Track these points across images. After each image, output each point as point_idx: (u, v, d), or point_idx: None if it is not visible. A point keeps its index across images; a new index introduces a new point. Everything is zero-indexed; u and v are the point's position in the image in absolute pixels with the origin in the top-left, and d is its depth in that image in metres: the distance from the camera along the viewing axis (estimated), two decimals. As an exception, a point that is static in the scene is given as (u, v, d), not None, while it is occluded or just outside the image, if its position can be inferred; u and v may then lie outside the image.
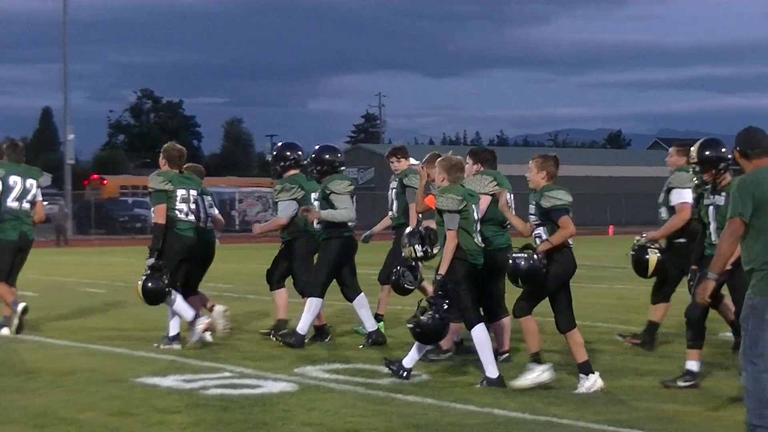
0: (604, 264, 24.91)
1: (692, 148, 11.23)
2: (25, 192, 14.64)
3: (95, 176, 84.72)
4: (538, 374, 10.89)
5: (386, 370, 11.50)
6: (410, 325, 11.27)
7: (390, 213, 14.66)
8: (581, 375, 10.83)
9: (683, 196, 13.01)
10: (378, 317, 14.47)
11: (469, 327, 11.35)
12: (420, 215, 13.16)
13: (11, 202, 14.53)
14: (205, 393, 10.57)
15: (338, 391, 10.76)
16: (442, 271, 11.19)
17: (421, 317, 11.13)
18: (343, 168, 14.13)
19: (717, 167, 10.98)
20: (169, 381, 11.23)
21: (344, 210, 13.60)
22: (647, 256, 13.10)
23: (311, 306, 13.63)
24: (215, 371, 11.92)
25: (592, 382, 10.75)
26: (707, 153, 11.01)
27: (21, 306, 14.58)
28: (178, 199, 13.52)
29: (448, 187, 11.45)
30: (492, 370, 11.12)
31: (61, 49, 57.51)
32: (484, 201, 11.89)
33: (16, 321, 14.51)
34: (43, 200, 14.73)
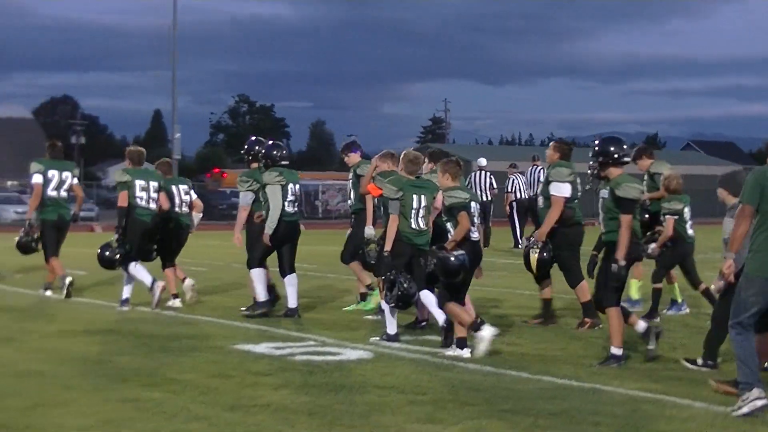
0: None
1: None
2: (61, 182, 16.13)
3: (216, 170, 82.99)
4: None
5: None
6: (386, 300, 11.62)
7: (349, 201, 14.71)
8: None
9: (561, 189, 12.91)
10: (369, 289, 14.57)
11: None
12: (375, 199, 13.50)
13: (51, 192, 16.02)
14: (292, 359, 10.61)
15: (408, 359, 10.76)
16: (387, 248, 11.57)
17: (391, 292, 11.48)
18: (285, 162, 14.21)
19: (601, 160, 10.82)
20: (261, 348, 11.28)
21: (273, 212, 13.78)
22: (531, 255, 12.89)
23: (256, 276, 14.05)
24: (301, 340, 11.96)
25: (458, 354, 10.86)
26: (599, 146, 10.87)
27: (69, 279, 15.96)
28: (137, 188, 14.59)
29: (392, 178, 11.97)
30: (391, 328, 11.82)
31: (170, 59, 57.84)
32: (439, 196, 11.86)
33: (65, 290, 15.91)
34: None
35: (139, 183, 14.58)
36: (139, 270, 14.69)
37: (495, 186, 29.51)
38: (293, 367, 10.15)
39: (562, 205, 12.85)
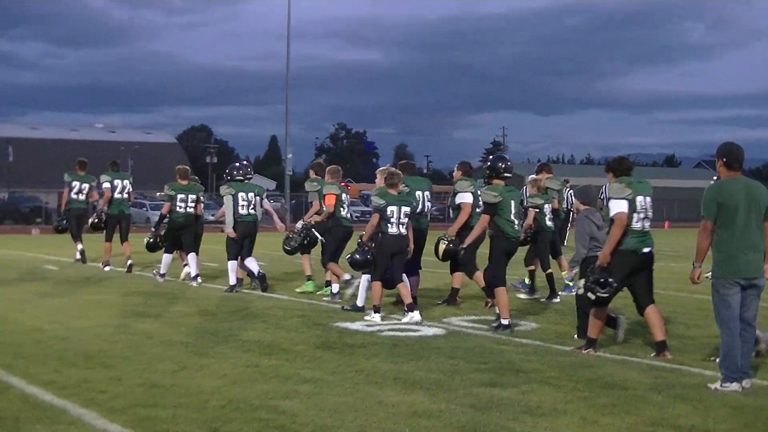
0: (660, 249, 24.42)
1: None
2: (122, 188, 19.04)
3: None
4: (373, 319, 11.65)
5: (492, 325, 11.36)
6: (348, 258, 12.04)
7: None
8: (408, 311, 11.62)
9: (464, 198, 13.04)
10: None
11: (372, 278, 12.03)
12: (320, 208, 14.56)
13: (116, 194, 19.00)
14: (381, 334, 10.63)
15: (473, 335, 10.71)
16: (365, 239, 11.91)
17: (354, 255, 11.96)
18: (250, 178, 15.53)
19: (489, 173, 11.36)
20: (356, 326, 11.30)
21: (227, 215, 15.07)
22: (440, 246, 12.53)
23: (232, 267, 15.04)
24: (387, 319, 11.92)
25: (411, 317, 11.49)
26: (490, 162, 11.45)
27: (129, 264, 18.31)
28: (178, 200, 16.28)
29: (380, 188, 12.14)
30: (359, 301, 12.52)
31: (284, 94, 58.39)
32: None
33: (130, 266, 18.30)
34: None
35: (179, 196, 16.25)
36: (166, 258, 16.49)
37: None
38: (382, 340, 10.16)
39: (470, 210, 12.96)
